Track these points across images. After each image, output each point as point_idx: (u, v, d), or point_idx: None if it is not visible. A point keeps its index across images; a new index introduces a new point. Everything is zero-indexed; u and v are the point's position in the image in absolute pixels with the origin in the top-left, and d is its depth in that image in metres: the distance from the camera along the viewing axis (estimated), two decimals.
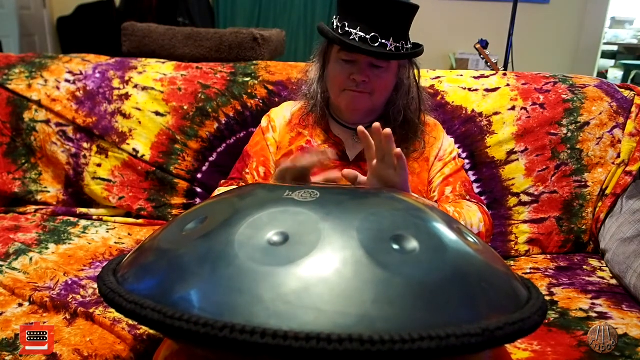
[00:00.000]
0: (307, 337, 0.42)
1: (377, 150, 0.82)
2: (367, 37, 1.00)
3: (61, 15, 3.82)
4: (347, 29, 1.02)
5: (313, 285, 0.46)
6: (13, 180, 1.48)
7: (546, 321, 0.98)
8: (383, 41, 1.00)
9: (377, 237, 0.52)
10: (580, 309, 1.03)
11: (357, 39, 1.00)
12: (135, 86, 1.49)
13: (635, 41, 4.96)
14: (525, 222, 1.34)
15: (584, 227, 1.33)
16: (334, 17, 1.06)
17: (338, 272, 0.48)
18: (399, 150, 0.80)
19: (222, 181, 1.23)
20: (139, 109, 1.47)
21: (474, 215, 1.05)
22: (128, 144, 1.45)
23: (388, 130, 0.80)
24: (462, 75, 1.48)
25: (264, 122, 1.24)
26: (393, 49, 1.02)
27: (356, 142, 1.16)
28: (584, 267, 1.23)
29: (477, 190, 1.34)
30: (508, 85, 1.43)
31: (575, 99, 1.39)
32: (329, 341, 0.42)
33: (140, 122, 1.46)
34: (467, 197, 1.13)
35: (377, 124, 0.81)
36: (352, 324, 0.44)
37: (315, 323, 0.43)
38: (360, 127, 0.85)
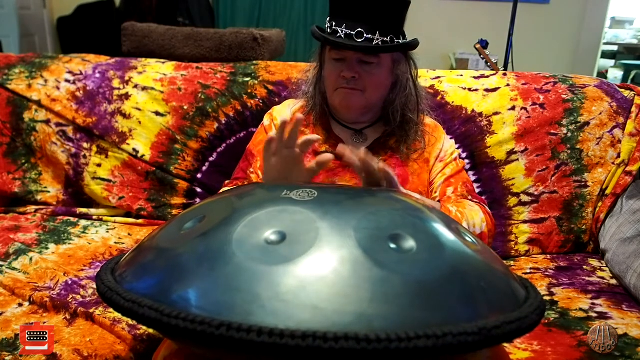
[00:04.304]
0: (304, 335, 0.42)
1: (360, 168, 0.82)
2: (352, 33, 1.01)
3: (61, 15, 3.82)
4: (334, 27, 1.04)
5: (310, 284, 0.46)
6: (13, 180, 1.48)
7: (546, 321, 0.98)
8: (369, 36, 1.01)
9: (374, 236, 0.52)
10: (580, 309, 1.03)
11: (342, 35, 1.02)
12: (135, 86, 1.50)
13: (635, 41, 4.96)
14: (525, 222, 1.34)
15: (584, 227, 1.33)
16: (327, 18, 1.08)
17: (335, 270, 0.47)
18: (381, 165, 0.79)
19: (227, 181, 1.22)
20: (139, 109, 1.47)
21: (476, 215, 1.05)
22: (128, 144, 1.45)
23: (361, 152, 0.80)
24: (462, 75, 1.48)
25: (266, 120, 1.24)
26: (380, 43, 1.02)
27: (356, 142, 1.16)
28: (584, 267, 1.23)
29: (477, 191, 1.34)
30: (508, 85, 1.43)
31: (575, 99, 1.39)
32: (325, 340, 0.41)
33: (140, 122, 1.46)
34: (469, 198, 1.13)
35: (341, 148, 0.81)
36: (349, 322, 0.43)
37: (312, 321, 0.43)
38: (340, 146, 0.85)
